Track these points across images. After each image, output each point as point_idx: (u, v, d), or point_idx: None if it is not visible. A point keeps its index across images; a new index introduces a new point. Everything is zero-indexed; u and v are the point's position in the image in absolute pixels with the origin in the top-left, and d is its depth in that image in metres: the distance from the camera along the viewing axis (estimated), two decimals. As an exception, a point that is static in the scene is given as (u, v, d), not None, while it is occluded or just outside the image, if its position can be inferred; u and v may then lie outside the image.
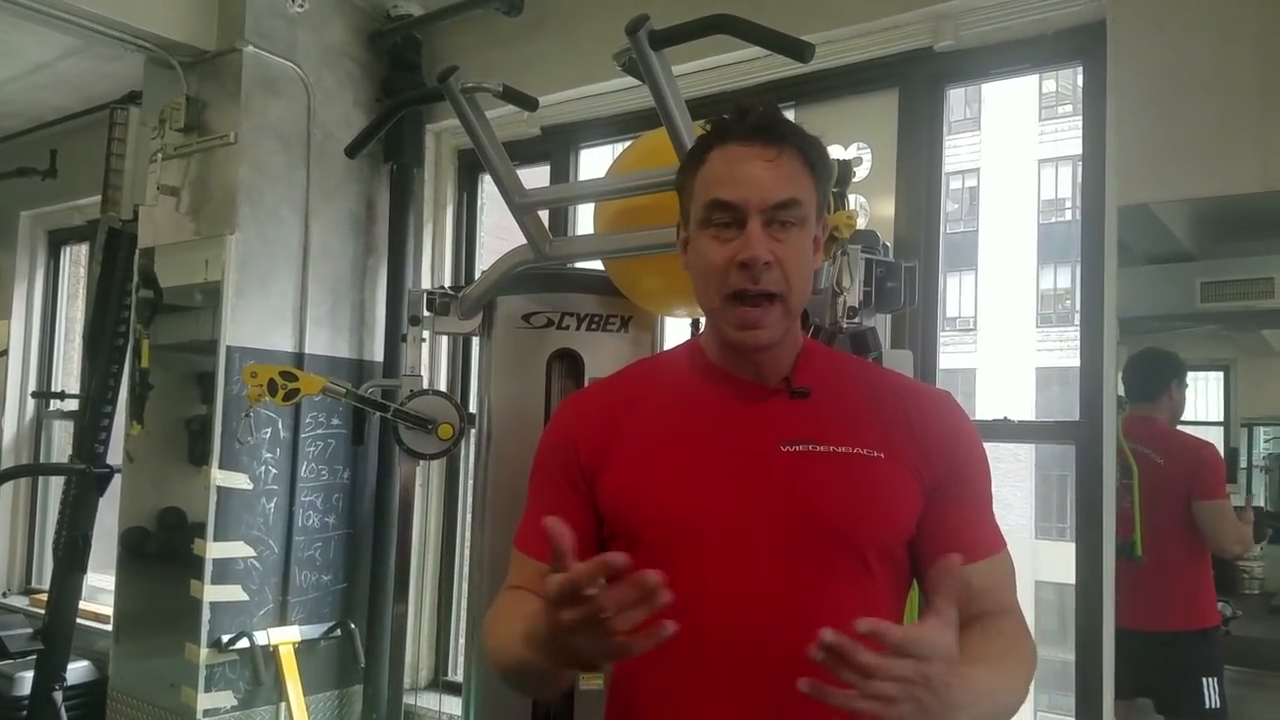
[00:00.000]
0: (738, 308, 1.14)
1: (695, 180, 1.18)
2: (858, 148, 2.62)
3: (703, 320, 2.34)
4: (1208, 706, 2.10)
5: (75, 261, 5.01)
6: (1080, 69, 2.40)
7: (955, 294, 14.62)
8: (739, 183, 1.13)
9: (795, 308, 1.17)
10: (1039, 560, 10.67)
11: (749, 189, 1.12)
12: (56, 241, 4.97)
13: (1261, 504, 2.14)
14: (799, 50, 1.67)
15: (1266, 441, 2.12)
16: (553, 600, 0.92)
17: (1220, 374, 2.16)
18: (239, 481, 3.03)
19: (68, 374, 4.90)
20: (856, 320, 1.75)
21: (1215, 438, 2.18)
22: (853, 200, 1.97)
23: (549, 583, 0.93)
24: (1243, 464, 2.13)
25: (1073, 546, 2.36)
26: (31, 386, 4.86)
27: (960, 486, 1.18)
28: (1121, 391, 2.17)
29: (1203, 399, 2.16)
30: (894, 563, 1.17)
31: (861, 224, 2.02)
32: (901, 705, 0.89)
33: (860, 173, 2.49)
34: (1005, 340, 14.88)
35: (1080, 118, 2.39)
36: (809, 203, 1.15)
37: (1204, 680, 2.11)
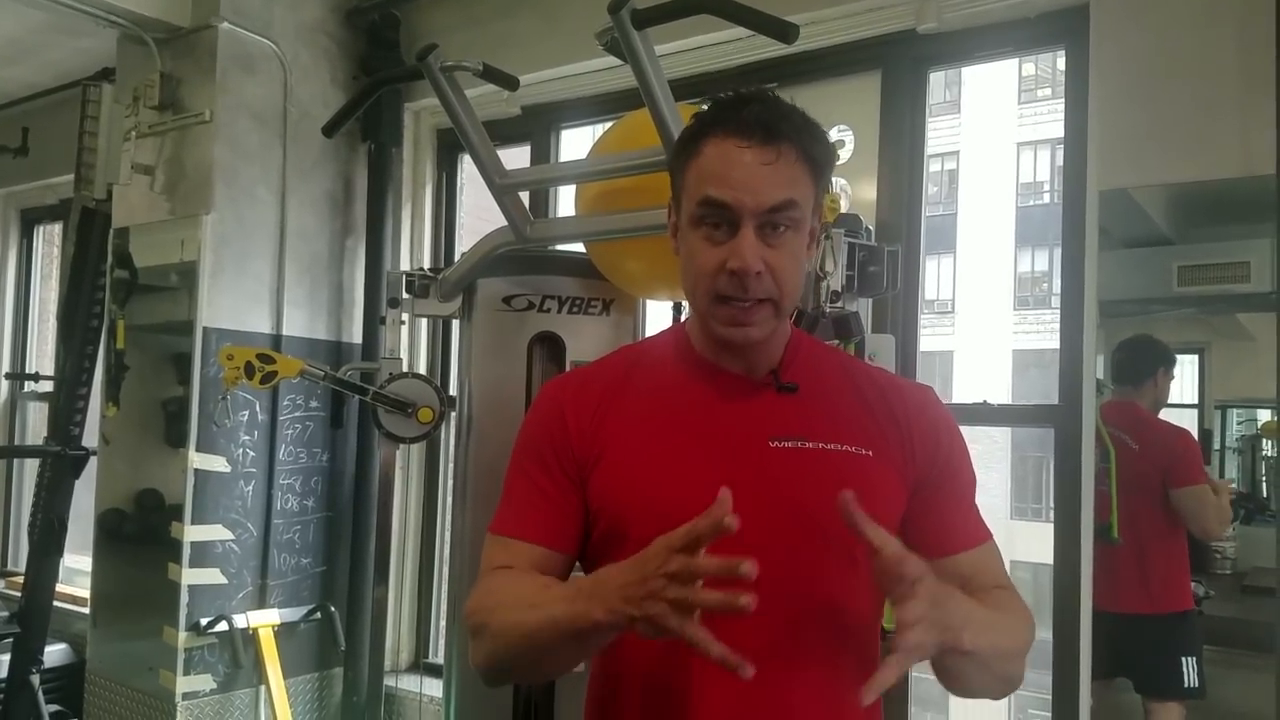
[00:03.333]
0: (726, 306, 1.11)
1: (688, 171, 1.14)
2: (839, 130, 2.61)
3: (685, 305, 2.33)
4: (1187, 686, 2.13)
5: (49, 241, 4.95)
6: (1063, 52, 2.40)
7: (933, 277, 14.69)
8: (733, 183, 1.08)
9: (786, 308, 1.15)
10: (1014, 541, 10.78)
11: (744, 191, 1.07)
12: (29, 220, 4.90)
13: (1234, 485, 2.17)
14: (783, 31, 1.65)
15: (1239, 424, 2.15)
16: (676, 544, 0.93)
17: (1195, 357, 2.19)
18: (217, 464, 3.01)
19: (41, 355, 4.85)
20: (839, 305, 1.75)
21: (1189, 420, 2.20)
22: (835, 184, 1.96)
23: (695, 525, 0.93)
24: (1216, 446, 2.15)
25: (1047, 527, 2.38)
26: (4, 368, 4.80)
27: (944, 481, 1.18)
28: (1101, 375, 2.18)
29: (1177, 382, 2.18)
30: None
31: (844, 207, 2.02)
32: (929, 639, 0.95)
33: (842, 156, 2.49)
34: (982, 323, 14.99)
35: (1059, 101, 2.39)
36: (806, 202, 1.11)
37: (1183, 660, 2.13)
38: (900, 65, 2.55)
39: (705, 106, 1.17)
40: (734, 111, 1.11)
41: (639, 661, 1.13)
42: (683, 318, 2.30)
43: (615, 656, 1.17)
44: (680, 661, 1.10)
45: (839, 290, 1.75)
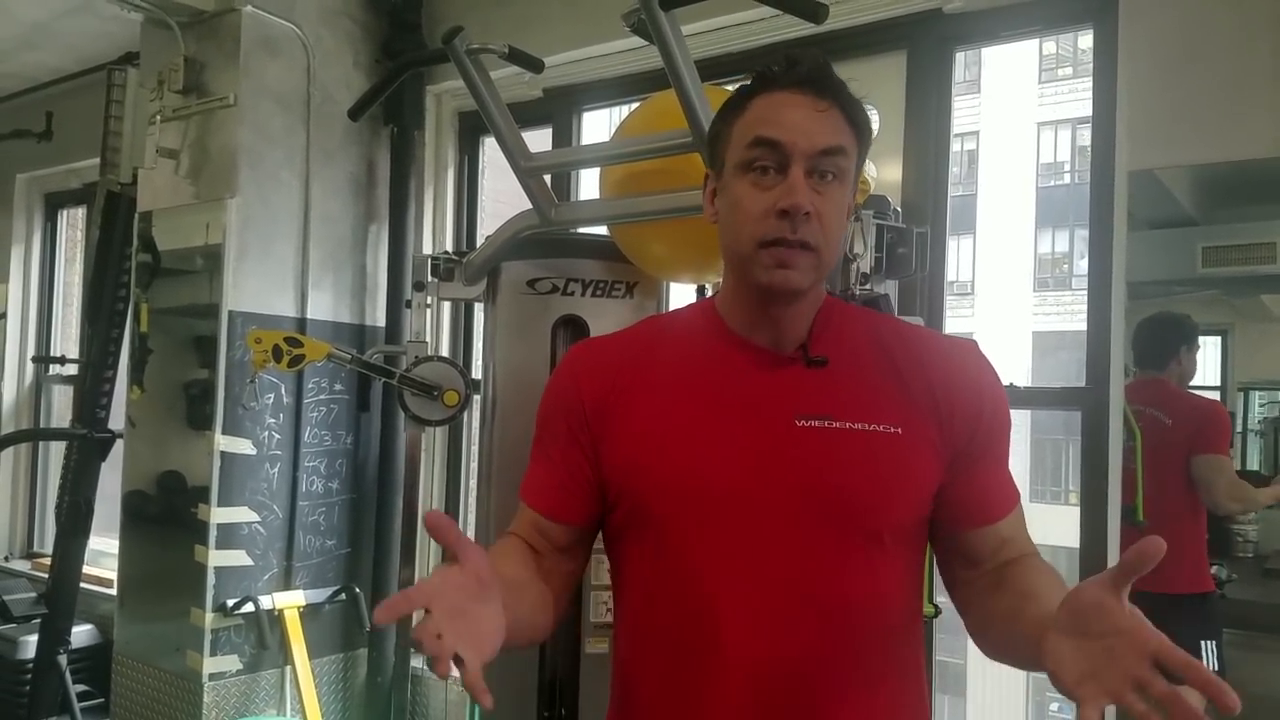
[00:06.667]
0: (773, 248, 1.08)
1: (734, 127, 1.13)
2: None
3: (708, 288, 2.33)
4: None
5: (72, 225, 4.98)
6: (1090, 31, 2.37)
7: (952, 258, 14.58)
8: (785, 124, 1.08)
9: (827, 264, 1.12)
10: (1033, 523, 10.75)
11: (796, 132, 1.07)
12: (53, 204, 4.93)
13: (1256, 467, 2.15)
14: (813, 11, 1.64)
15: (1261, 406, 2.13)
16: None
17: (1218, 338, 2.17)
18: (242, 447, 3.03)
19: (66, 338, 4.89)
20: (868, 287, 1.74)
21: (1212, 401, 2.19)
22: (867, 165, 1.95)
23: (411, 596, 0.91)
24: (1238, 428, 2.14)
25: (1065, 510, 2.37)
26: (30, 351, 4.84)
27: (984, 448, 1.14)
28: (1128, 358, 2.17)
29: (1200, 363, 2.17)
30: (910, 542, 1.14)
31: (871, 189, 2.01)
32: None
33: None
34: (1002, 304, 14.89)
35: (1080, 80, 2.39)
36: (852, 157, 1.11)
37: (1203, 643, 2.12)
38: (926, 45, 2.52)
39: (750, 79, 1.15)
40: (785, 70, 1.11)
41: (663, 647, 1.13)
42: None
43: (636, 646, 1.17)
44: (702, 650, 1.09)
45: (868, 272, 1.74)
